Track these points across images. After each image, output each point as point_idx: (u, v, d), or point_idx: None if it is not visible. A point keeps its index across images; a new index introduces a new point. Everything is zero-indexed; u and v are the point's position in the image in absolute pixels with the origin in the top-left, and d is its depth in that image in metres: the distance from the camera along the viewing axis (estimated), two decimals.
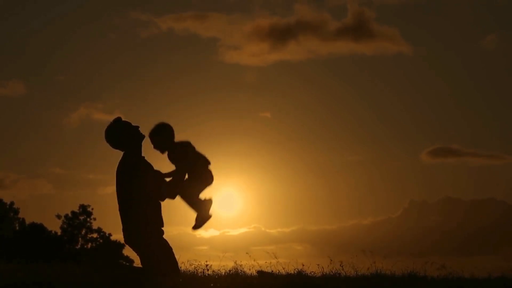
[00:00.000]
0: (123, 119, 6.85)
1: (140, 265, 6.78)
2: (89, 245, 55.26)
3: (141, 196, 6.65)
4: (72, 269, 7.43)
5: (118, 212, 6.79)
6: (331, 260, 8.13)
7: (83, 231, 55.30)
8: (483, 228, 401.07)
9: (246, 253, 8.39)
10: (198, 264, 7.66)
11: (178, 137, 6.95)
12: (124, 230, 6.76)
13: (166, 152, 6.91)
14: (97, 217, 55.99)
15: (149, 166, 6.80)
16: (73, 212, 55.66)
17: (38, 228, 52.69)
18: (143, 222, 6.66)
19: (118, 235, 50.71)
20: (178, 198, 6.86)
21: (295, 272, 7.90)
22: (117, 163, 6.79)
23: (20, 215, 53.75)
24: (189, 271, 7.36)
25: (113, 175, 6.76)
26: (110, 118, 6.89)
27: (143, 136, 6.85)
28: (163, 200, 6.80)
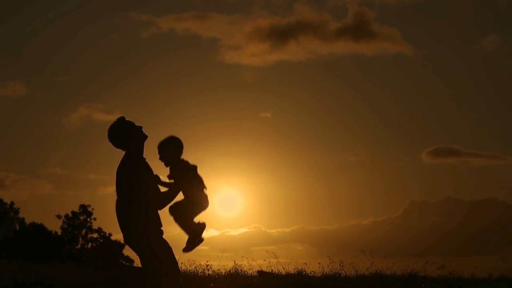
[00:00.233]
0: (126, 119, 6.85)
1: (140, 265, 6.79)
2: (90, 245, 55.29)
3: (141, 196, 6.65)
4: (72, 269, 7.44)
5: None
6: (331, 260, 8.14)
7: (84, 231, 55.35)
8: (484, 229, 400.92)
9: (242, 256, 8.38)
10: (198, 264, 7.67)
11: (188, 153, 6.89)
12: (123, 230, 6.75)
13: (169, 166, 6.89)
14: (98, 217, 56.11)
15: (149, 168, 6.79)
16: (73, 212, 55.71)
17: (38, 228, 52.69)
18: (143, 222, 6.65)
19: (118, 235, 50.65)
20: (171, 219, 6.86)
21: (295, 272, 7.90)
22: (118, 163, 6.79)
23: (20, 215, 53.75)
24: (189, 271, 7.36)
25: (113, 175, 6.75)
26: (111, 118, 6.92)
27: (146, 137, 6.82)
28: (159, 208, 6.82)
